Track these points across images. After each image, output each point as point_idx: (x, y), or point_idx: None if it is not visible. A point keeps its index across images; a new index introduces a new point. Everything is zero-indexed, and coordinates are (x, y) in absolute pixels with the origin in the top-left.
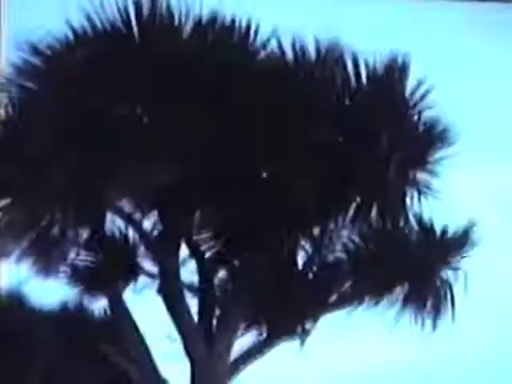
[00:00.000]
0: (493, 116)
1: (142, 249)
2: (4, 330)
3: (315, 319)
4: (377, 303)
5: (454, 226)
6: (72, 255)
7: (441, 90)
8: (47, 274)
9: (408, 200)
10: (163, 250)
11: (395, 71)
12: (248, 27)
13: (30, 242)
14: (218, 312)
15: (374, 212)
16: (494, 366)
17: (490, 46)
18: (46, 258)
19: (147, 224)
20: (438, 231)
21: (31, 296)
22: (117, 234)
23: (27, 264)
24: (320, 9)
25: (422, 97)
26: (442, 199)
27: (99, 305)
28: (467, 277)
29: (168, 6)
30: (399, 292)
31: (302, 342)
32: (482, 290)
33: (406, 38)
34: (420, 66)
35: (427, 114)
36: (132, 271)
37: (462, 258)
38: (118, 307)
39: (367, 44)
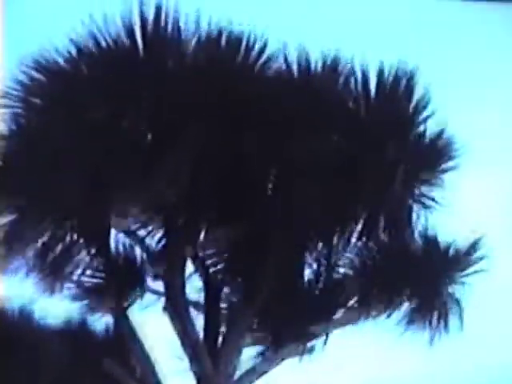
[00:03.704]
0: (500, 123)
1: (147, 266)
2: (10, 345)
3: (321, 335)
4: (383, 317)
5: (461, 239)
6: (77, 272)
7: (447, 97)
8: (52, 291)
9: (414, 213)
10: (168, 267)
11: (402, 84)
12: (254, 42)
13: (35, 258)
14: (223, 328)
15: (380, 226)
16: (502, 381)
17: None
18: (51, 274)
19: (152, 241)
20: (445, 245)
21: (36, 312)
22: (122, 251)
23: (33, 280)
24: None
25: (428, 109)
26: (449, 211)
27: (104, 322)
28: (474, 290)
29: (173, 21)
30: (406, 306)
31: (308, 358)
32: (492, 302)
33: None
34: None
35: (432, 126)
36: (137, 288)
37: (469, 271)
38: (123, 324)
39: (375, 50)
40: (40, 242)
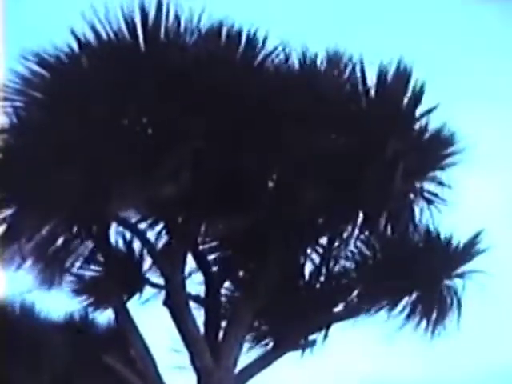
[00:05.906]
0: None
1: (147, 260)
2: (11, 340)
3: (322, 329)
4: (384, 312)
5: (462, 235)
6: (76, 266)
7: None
8: (51, 285)
9: (415, 209)
10: (169, 262)
11: (402, 79)
12: (254, 37)
13: (34, 252)
14: (223, 323)
15: (381, 221)
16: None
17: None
18: (49, 268)
19: (153, 235)
20: (445, 240)
21: (38, 306)
22: (122, 245)
23: (32, 274)
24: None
25: (428, 104)
26: (450, 207)
27: (105, 316)
28: (473, 286)
29: (174, 15)
30: (406, 301)
31: (309, 352)
32: (492, 298)
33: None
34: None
35: (433, 122)
36: (137, 283)
37: (469, 265)
38: (123, 318)
39: (375, 46)
40: (40, 235)
